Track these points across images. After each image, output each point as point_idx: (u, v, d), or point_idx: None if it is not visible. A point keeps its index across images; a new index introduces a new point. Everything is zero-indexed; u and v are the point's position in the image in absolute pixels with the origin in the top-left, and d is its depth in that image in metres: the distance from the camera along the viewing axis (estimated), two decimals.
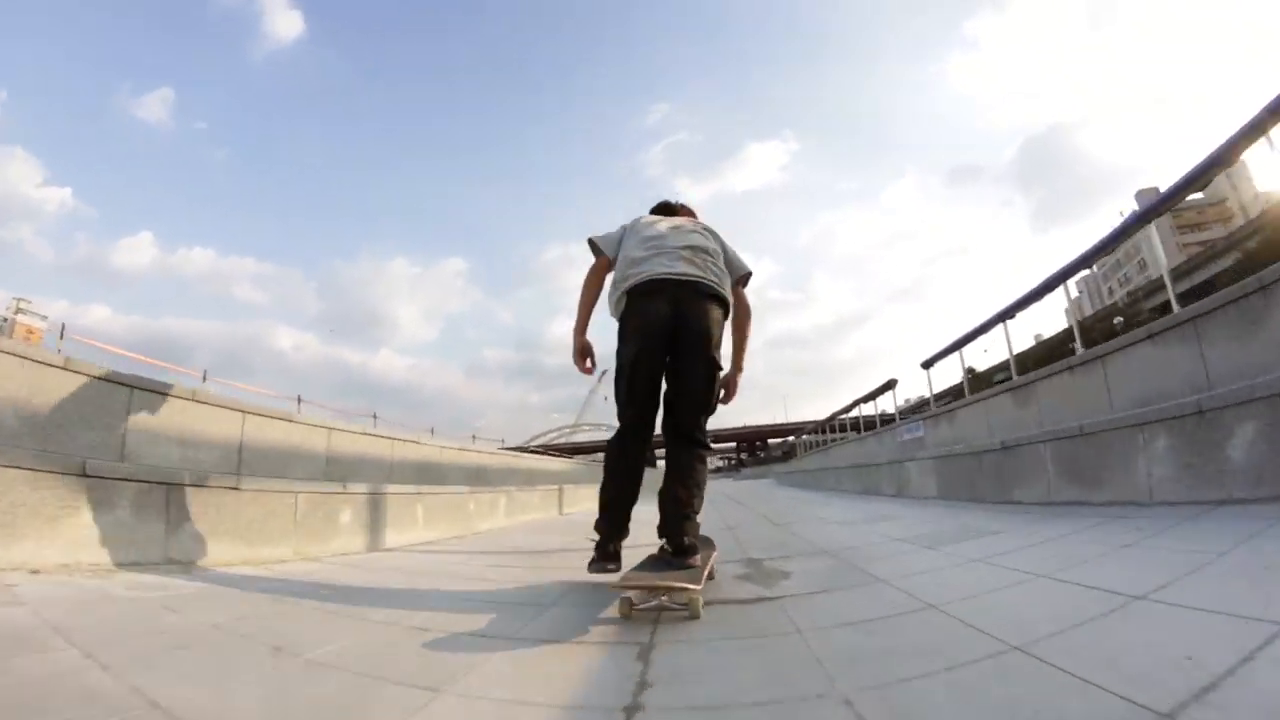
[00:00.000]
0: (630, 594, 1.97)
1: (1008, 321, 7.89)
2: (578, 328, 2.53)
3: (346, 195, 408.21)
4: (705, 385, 2.37)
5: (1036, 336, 37.47)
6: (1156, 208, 5.74)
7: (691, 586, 1.90)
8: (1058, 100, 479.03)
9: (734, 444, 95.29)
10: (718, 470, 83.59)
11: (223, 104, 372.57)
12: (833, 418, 18.89)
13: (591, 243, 2.61)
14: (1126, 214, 9.50)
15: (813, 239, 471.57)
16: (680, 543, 2.18)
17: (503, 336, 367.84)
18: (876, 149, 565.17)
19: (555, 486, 8.60)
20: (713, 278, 2.44)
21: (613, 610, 1.99)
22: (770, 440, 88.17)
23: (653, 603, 1.98)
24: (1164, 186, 5.59)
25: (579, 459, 23.34)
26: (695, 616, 1.87)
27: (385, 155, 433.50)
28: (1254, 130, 4.22)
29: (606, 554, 2.29)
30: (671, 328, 2.33)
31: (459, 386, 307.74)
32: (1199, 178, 4.90)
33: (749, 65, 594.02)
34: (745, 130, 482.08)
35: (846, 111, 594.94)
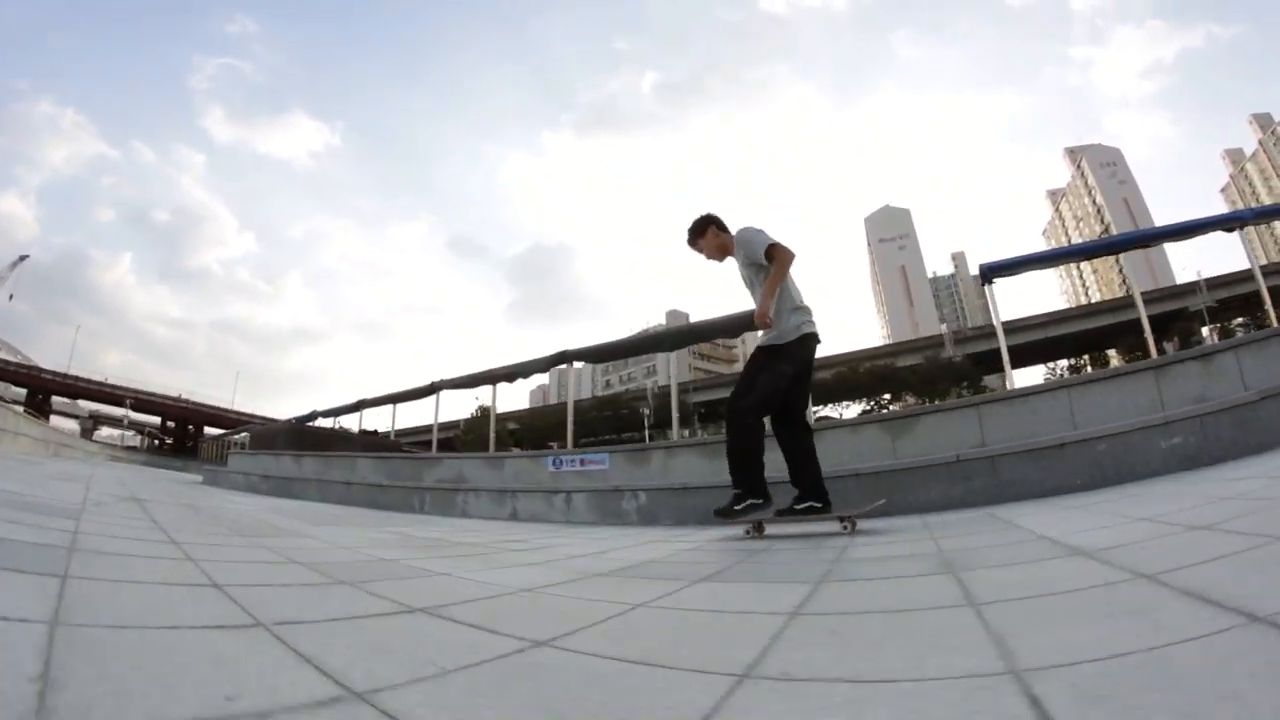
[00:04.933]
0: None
1: None
2: (768, 304, 3.30)
3: None
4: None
5: None
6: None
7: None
8: (573, 226, 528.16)
9: (160, 418, 72.82)
10: (131, 450, 52.19)
11: None
12: None
13: (781, 246, 3.34)
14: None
15: (304, 237, 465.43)
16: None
17: None
18: (407, 183, 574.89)
19: None
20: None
21: None
22: (210, 430, 60.89)
23: None
24: None
25: None
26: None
27: None
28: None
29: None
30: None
31: None
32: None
33: (353, 40, 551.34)
34: (305, 97, 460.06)
35: (405, 137, 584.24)
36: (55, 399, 68.67)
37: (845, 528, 3.18)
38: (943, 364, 45.59)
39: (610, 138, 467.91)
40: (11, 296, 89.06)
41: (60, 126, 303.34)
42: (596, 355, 11.02)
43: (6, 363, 68.63)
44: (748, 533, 3.40)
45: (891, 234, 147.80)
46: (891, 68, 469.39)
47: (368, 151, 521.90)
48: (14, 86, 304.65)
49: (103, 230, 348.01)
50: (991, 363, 52.58)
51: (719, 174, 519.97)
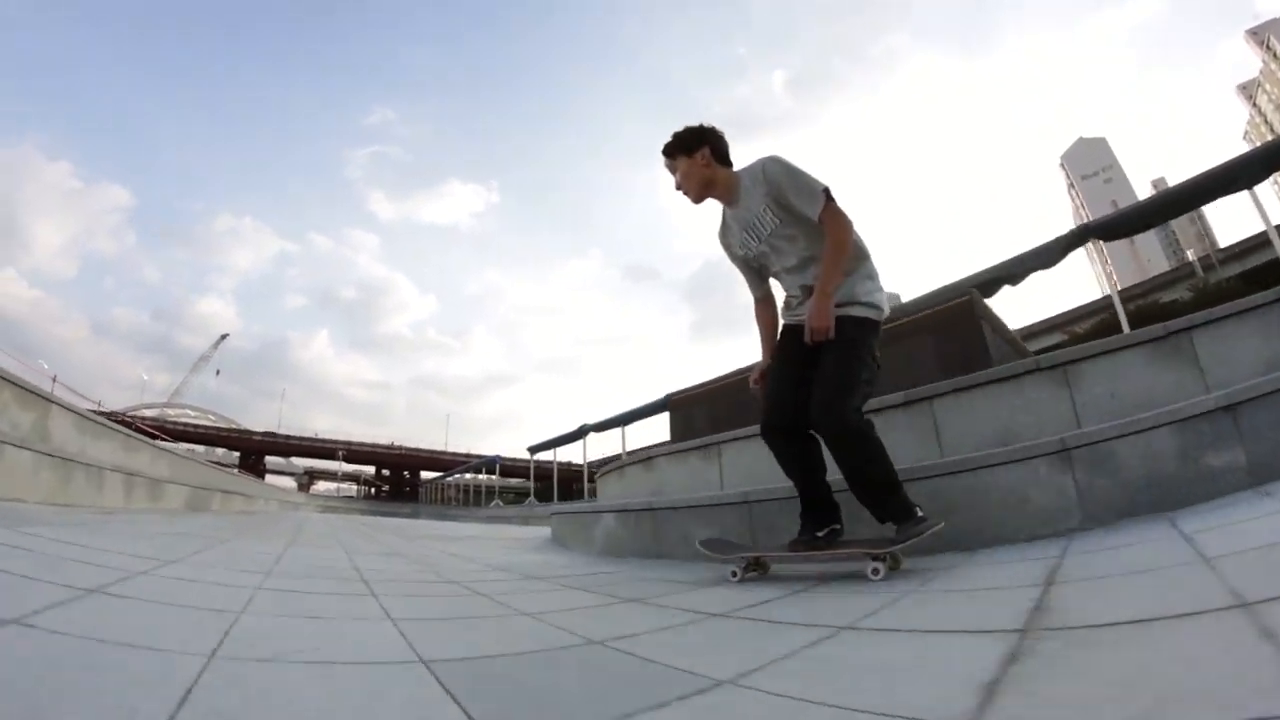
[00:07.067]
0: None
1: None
2: (828, 304, 2.29)
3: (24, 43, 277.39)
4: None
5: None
6: None
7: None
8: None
9: (374, 467, 74.54)
10: (349, 499, 59.28)
11: None
12: None
13: (841, 211, 2.32)
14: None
15: (482, 291, 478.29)
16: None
17: (142, 298, 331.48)
18: (570, 223, 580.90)
19: None
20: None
21: None
22: (425, 473, 65.74)
23: None
24: None
25: None
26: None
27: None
28: None
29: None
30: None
31: (82, 342, 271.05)
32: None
33: (488, 105, 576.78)
34: (456, 165, 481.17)
35: (558, 181, 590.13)
36: (269, 459, 72.35)
37: (875, 570, 2.01)
38: (1212, 290, 38.12)
39: (752, 143, 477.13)
40: (219, 372, 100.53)
41: (241, 233, 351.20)
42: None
43: (219, 429, 73.15)
44: (735, 575, 2.37)
45: (1094, 168, 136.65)
46: (1010, 7, 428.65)
47: (526, 201, 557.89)
48: (190, 208, 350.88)
49: (296, 314, 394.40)
50: (1268, 278, 43.31)
51: (869, 158, 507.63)
